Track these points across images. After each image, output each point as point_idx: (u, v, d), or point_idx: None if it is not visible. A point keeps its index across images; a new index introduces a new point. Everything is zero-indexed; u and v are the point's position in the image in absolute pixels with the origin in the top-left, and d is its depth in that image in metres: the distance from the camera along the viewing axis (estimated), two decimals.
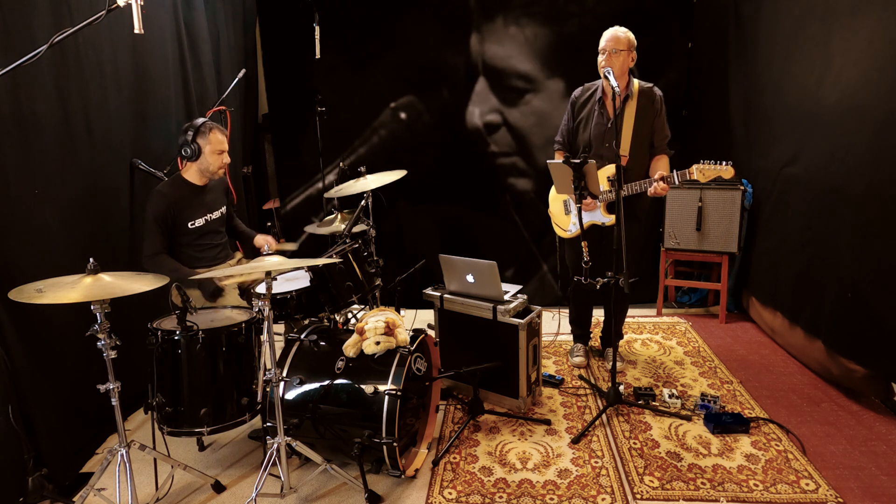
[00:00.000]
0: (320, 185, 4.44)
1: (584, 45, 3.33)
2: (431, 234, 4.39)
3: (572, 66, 4.12)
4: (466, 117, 4.33)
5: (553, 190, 3.37)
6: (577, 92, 3.17)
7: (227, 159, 2.88)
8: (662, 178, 2.88)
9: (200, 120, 2.86)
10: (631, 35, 2.94)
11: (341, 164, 4.28)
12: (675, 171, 2.90)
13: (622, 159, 2.98)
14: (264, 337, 2.22)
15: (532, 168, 4.34)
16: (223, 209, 3.03)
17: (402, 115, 4.36)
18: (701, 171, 2.86)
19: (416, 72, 4.28)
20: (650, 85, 3.05)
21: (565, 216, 3.31)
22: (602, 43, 2.95)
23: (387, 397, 2.30)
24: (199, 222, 2.87)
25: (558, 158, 3.19)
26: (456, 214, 4.43)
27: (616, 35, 2.92)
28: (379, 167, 3.47)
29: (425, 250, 3.43)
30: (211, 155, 2.82)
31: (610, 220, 3.09)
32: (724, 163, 2.84)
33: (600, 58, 2.95)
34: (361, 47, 4.27)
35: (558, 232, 3.39)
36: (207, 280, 2.71)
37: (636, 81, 3.04)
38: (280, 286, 2.79)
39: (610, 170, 3.00)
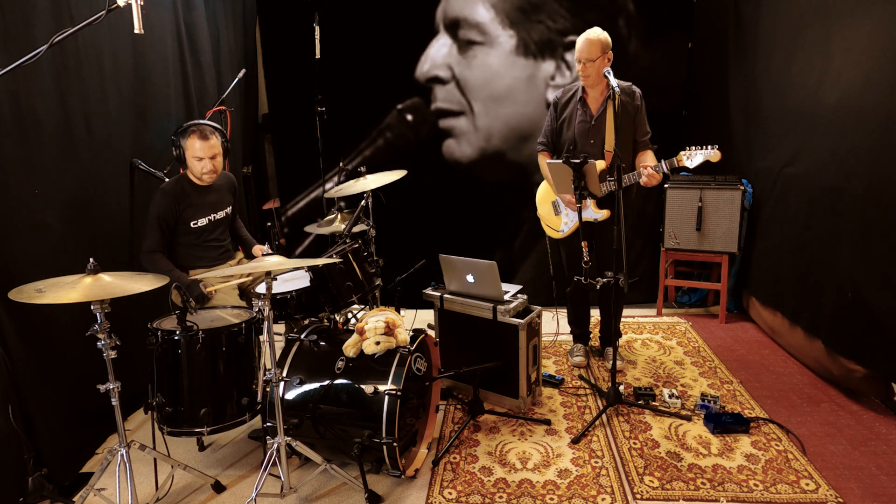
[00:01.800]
0: (325, 186, 4.41)
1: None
2: (431, 235, 4.39)
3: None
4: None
5: (539, 193, 3.40)
6: (557, 94, 3.23)
7: (207, 166, 2.76)
8: (650, 167, 2.92)
9: (188, 123, 2.84)
10: (604, 36, 2.94)
11: (341, 164, 4.28)
12: (662, 160, 2.93)
13: (608, 155, 3.03)
14: (264, 337, 2.22)
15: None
16: (228, 209, 3.01)
17: (409, 117, 4.35)
18: (689, 158, 2.89)
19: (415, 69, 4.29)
20: (628, 83, 3.09)
21: (555, 217, 3.33)
22: (577, 53, 2.97)
23: (387, 397, 2.30)
24: (203, 222, 2.86)
25: (545, 159, 3.23)
26: (456, 214, 4.42)
27: (589, 42, 2.91)
28: (383, 168, 3.46)
29: (425, 250, 3.43)
30: (190, 160, 2.78)
31: (601, 215, 3.12)
32: (710, 147, 2.86)
33: (578, 66, 2.99)
34: (362, 47, 4.27)
35: (549, 233, 3.40)
36: (193, 284, 2.68)
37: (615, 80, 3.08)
38: (280, 286, 2.79)
39: (599, 165, 3.03)
